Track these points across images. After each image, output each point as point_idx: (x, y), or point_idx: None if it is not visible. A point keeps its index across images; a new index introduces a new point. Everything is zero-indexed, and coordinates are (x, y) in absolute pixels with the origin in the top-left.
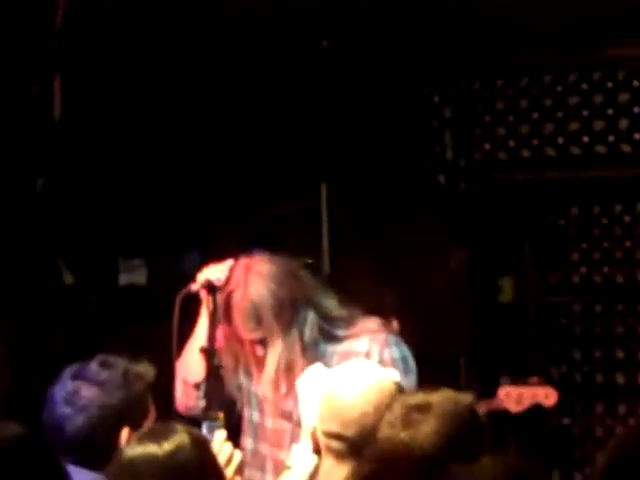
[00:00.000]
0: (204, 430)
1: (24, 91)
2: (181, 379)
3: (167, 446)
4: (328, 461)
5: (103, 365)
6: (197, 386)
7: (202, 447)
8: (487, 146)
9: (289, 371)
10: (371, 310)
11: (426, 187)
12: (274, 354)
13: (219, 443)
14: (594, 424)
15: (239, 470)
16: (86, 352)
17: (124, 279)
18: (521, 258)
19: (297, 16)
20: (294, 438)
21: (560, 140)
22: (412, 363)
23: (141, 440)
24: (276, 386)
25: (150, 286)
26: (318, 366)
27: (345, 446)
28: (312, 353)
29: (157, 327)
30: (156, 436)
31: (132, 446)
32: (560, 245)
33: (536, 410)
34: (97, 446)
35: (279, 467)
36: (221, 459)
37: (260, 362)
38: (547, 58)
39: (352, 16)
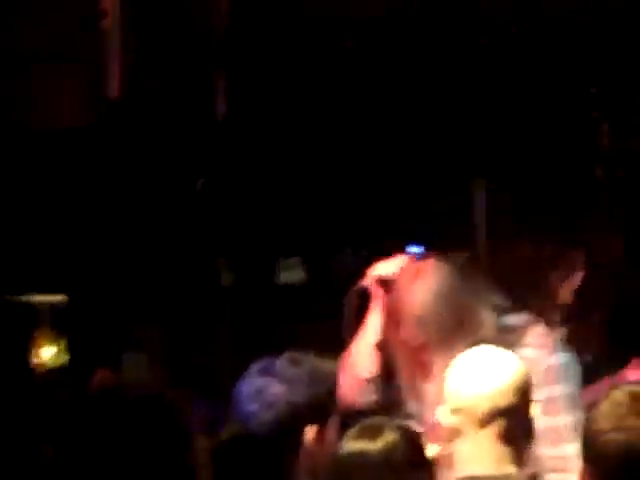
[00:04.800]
0: None
1: (188, 90)
2: (351, 374)
3: (380, 443)
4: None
5: (291, 362)
6: (369, 381)
7: (413, 443)
8: None
9: None
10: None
11: (583, 178)
12: (440, 363)
13: None
14: None
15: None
16: (245, 351)
17: (282, 278)
18: None
19: (454, 14)
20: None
21: None
22: (577, 369)
23: (356, 436)
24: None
25: (307, 285)
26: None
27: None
28: None
29: (314, 325)
30: (371, 432)
31: (347, 441)
32: None
33: None
34: (283, 442)
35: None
36: None
37: (427, 366)
38: None
39: (511, 9)
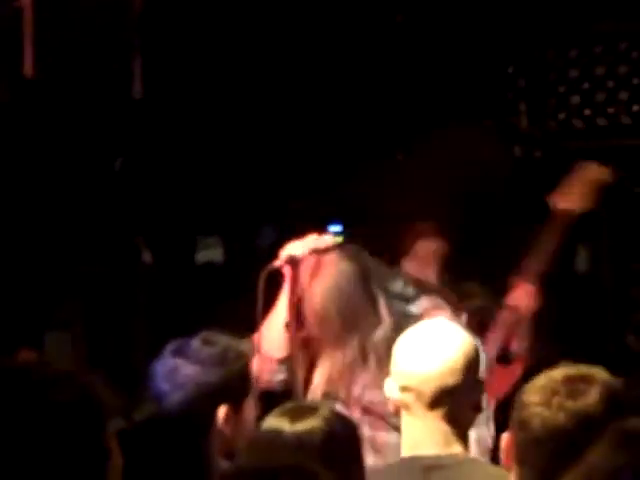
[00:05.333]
0: None
1: (104, 70)
2: (262, 353)
3: (299, 426)
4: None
5: (205, 342)
6: (280, 361)
7: (337, 433)
8: (562, 115)
9: (351, 371)
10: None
11: (502, 157)
12: (338, 356)
13: None
14: None
15: None
16: (164, 330)
17: (201, 257)
18: (598, 226)
19: None
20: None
21: (635, 107)
22: (481, 353)
23: (280, 415)
24: (341, 383)
25: (227, 263)
26: None
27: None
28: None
29: (234, 304)
30: (294, 414)
31: (270, 419)
32: (637, 213)
33: None
34: (193, 423)
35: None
36: None
37: (328, 357)
38: (621, 25)
39: None
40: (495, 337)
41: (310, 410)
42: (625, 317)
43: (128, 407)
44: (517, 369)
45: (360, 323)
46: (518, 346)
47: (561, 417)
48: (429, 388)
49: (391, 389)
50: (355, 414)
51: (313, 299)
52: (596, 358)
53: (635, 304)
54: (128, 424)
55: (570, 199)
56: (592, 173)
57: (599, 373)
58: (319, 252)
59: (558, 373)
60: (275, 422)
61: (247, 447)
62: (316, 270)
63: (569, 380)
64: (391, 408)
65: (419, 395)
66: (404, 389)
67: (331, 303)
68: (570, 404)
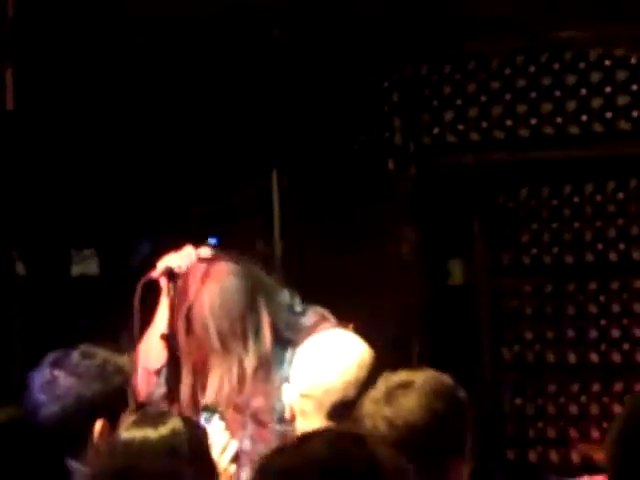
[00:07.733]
0: (202, 420)
1: None
2: (141, 366)
3: (163, 430)
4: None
5: (84, 355)
6: (157, 373)
7: (196, 433)
8: (436, 130)
9: (241, 381)
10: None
11: (376, 172)
12: (228, 366)
13: (216, 433)
14: (546, 403)
15: (234, 459)
16: (40, 344)
17: (76, 270)
18: (471, 240)
19: (249, 5)
20: (244, 429)
21: (508, 122)
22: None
23: (138, 423)
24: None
25: (102, 276)
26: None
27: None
28: (270, 362)
29: (110, 316)
30: (152, 420)
31: (129, 429)
32: (510, 227)
33: (489, 393)
34: (69, 435)
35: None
36: (216, 449)
37: (215, 368)
38: (493, 42)
39: (302, 4)
40: None
41: (164, 414)
42: (499, 331)
43: None
44: None
45: (243, 335)
46: None
47: (382, 426)
48: (330, 399)
49: (289, 394)
50: (238, 425)
51: (199, 308)
52: (470, 373)
53: (509, 318)
54: None
55: None
56: None
57: (420, 376)
58: (207, 261)
59: (382, 382)
60: (136, 430)
61: (112, 454)
62: (204, 279)
63: (389, 388)
64: (287, 413)
65: (319, 404)
66: (304, 396)
67: (214, 313)
68: (388, 412)
